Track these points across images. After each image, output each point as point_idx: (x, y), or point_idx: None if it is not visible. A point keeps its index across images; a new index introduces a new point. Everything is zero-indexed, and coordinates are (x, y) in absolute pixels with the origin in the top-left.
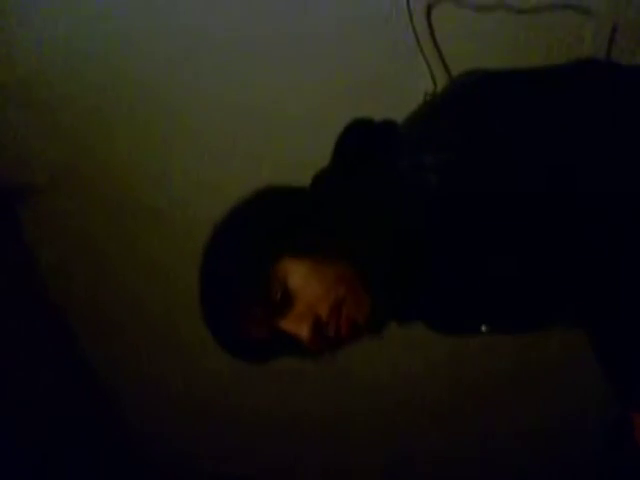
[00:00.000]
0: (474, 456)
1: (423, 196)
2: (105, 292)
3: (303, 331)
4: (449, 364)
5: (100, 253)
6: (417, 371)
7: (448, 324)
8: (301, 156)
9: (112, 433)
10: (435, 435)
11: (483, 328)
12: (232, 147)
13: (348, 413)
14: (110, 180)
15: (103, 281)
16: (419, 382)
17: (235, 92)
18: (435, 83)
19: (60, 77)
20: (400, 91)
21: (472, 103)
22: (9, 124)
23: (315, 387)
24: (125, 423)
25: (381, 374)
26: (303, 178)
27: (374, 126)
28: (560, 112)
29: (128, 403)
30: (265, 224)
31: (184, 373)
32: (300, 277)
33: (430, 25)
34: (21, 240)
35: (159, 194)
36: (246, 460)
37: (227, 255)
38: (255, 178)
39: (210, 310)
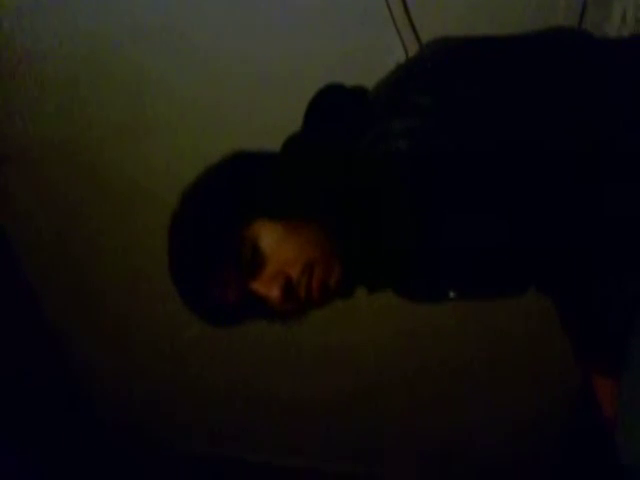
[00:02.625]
0: (458, 439)
1: (393, 161)
2: (77, 258)
3: (274, 292)
4: (433, 346)
5: (73, 219)
6: (400, 352)
7: (417, 291)
8: (276, 123)
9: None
10: (420, 417)
11: (451, 294)
12: (209, 116)
13: (333, 393)
14: (83, 147)
15: (75, 246)
16: (402, 363)
17: (210, 62)
18: (407, 54)
19: (33, 44)
20: (372, 62)
21: (440, 68)
22: None
23: (303, 364)
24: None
25: (364, 354)
26: (276, 143)
27: (345, 91)
28: (526, 74)
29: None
30: (236, 186)
31: (158, 343)
32: (272, 239)
33: None
34: None
35: (133, 160)
36: (235, 440)
37: (197, 218)
38: (231, 144)
39: (180, 272)
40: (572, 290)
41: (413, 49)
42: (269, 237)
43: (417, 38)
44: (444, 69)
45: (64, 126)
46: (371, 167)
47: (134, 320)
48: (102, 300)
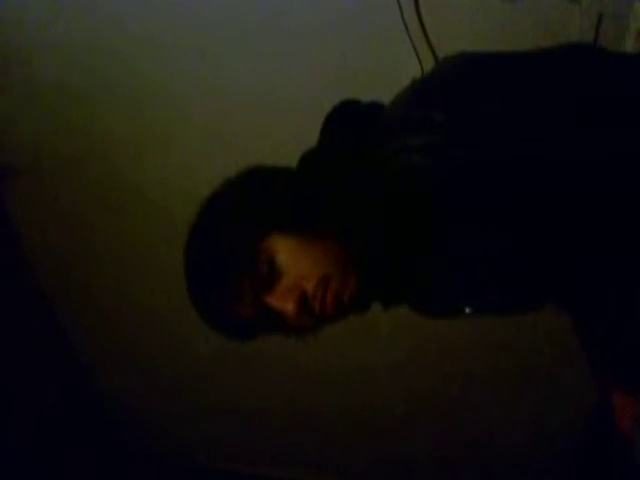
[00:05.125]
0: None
1: (409, 176)
2: (90, 272)
3: (289, 306)
4: (439, 360)
5: (85, 232)
6: (409, 366)
7: (433, 306)
8: (289, 141)
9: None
10: (429, 432)
11: (467, 310)
12: (218, 130)
13: (339, 407)
14: (93, 160)
15: (88, 261)
16: (410, 378)
17: (223, 76)
18: (423, 69)
19: (42, 58)
20: (388, 77)
21: (456, 84)
22: None
23: (309, 378)
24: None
25: (374, 370)
26: (291, 161)
27: (361, 107)
28: (542, 90)
29: (114, 390)
30: (253, 201)
31: (172, 358)
32: (288, 253)
33: (418, 10)
34: (5, 221)
35: (142, 174)
36: (236, 453)
37: (215, 231)
38: (242, 160)
39: (196, 284)
40: (588, 304)
41: (429, 64)
42: (285, 251)
43: (433, 54)
44: (460, 85)
45: (72, 139)
46: (387, 182)
47: (146, 335)
48: (115, 313)
